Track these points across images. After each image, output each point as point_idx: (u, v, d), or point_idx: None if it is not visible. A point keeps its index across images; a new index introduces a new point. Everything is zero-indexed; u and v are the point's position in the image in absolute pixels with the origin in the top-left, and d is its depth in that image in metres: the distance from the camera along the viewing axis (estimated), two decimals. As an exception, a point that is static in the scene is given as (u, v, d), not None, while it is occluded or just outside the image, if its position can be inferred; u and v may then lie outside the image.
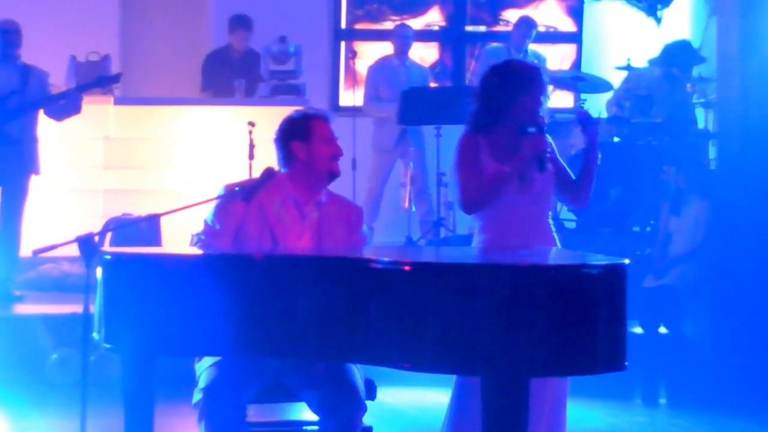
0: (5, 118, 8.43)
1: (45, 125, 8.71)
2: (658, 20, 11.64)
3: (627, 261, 4.14)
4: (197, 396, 4.60)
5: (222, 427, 4.53)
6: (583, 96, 10.55)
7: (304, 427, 4.98)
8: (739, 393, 7.81)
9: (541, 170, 4.97)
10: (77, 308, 4.98)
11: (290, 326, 4.20)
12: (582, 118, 5.23)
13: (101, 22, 11.14)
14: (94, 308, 4.51)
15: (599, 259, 4.23)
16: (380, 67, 10.54)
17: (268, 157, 5.03)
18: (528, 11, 11.50)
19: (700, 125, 10.52)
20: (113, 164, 9.97)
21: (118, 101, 9.98)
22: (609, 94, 10.50)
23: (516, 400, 4.00)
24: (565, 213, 9.52)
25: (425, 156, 10.31)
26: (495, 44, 10.97)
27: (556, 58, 11.86)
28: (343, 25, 11.80)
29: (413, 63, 10.70)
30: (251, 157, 9.29)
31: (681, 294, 8.30)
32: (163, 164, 10.00)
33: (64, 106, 8.61)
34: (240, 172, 9.07)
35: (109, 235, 8.09)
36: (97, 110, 9.63)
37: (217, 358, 4.64)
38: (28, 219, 8.69)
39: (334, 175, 4.81)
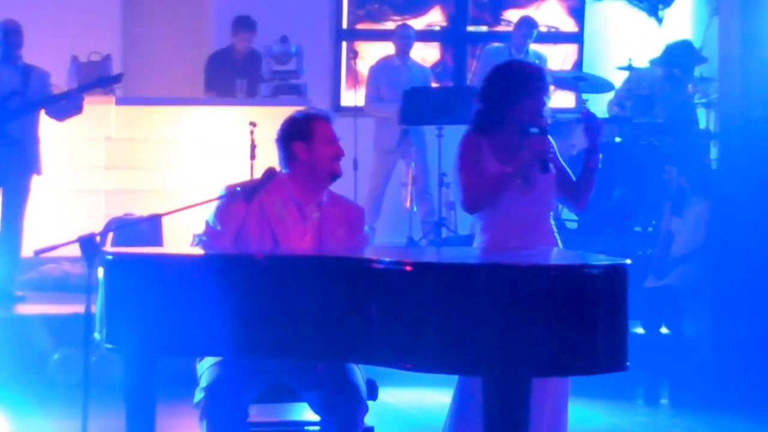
0: (7, 118, 8.43)
1: (46, 125, 8.71)
2: (660, 20, 11.64)
3: (628, 261, 4.13)
4: (198, 395, 4.61)
5: (223, 426, 4.53)
6: (584, 96, 10.55)
7: (306, 428, 4.99)
8: (741, 393, 7.81)
9: (543, 171, 4.97)
10: (79, 308, 4.97)
11: (291, 326, 4.20)
12: (586, 119, 5.23)
13: (103, 23, 11.15)
14: (96, 308, 4.51)
15: (600, 260, 4.23)
16: (382, 67, 10.54)
17: (270, 158, 5.03)
18: (529, 11, 11.50)
19: (702, 125, 10.52)
20: (115, 164, 9.97)
21: (120, 101, 9.99)
22: (610, 95, 10.51)
23: (517, 400, 4.00)
24: (566, 213, 9.51)
25: (427, 156, 10.30)
26: (496, 44, 10.97)
27: (558, 58, 11.86)
28: (345, 25, 11.80)
29: (415, 63, 10.70)
30: (253, 157, 9.29)
31: (682, 294, 8.29)
32: (164, 164, 10.00)
33: (66, 106, 8.61)
34: (241, 173, 9.08)
35: (110, 236, 8.09)
36: (98, 110, 9.63)
37: (219, 358, 4.64)
38: (30, 219, 8.70)
39: (335, 175, 4.81)
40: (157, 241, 9.00)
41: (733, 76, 8.51)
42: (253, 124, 9.32)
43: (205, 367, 4.68)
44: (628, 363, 4.09)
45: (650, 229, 9.57)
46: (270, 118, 8.11)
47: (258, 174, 4.90)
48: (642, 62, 10.64)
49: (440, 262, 4.43)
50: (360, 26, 11.87)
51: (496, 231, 5.04)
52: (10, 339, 7.97)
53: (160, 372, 4.46)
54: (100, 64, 9.78)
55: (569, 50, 12.07)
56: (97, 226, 6.43)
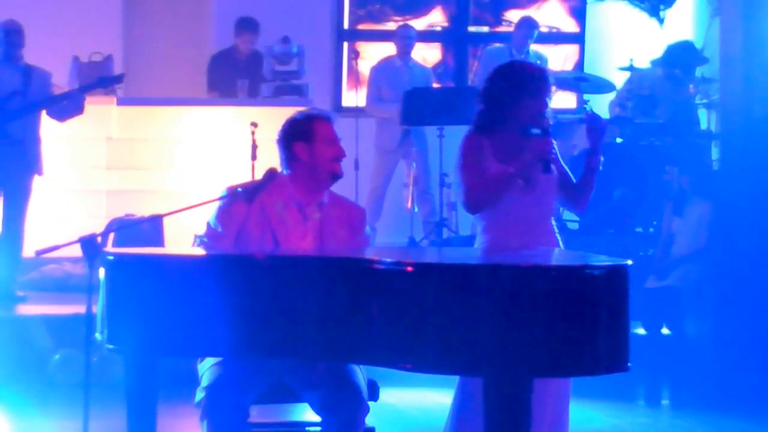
0: (8, 119, 8.43)
1: (48, 126, 8.71)
2: (661, 21, 11.63)
3: (629, 262, 4.13)
4: (199, 395, 4.61)
5: (224, 426, 4.53)
6: (585, 96, 10.55)
7: (307, 428, 4.98)
8: (742, 394, 7.81)
9: (545, 171, 4.97)
10: (80, 309, 4.97)
11: (292, 327, 4.20)
12: (590, 120, 5.23)
13: (104, 23, 11.15)
14: (97, 309, 4.51)
15: (602, 260, 4.23)
16: (383, 68, 10.54)
17: (271, 158, 5.03)
18: (531, 12, 11.50)
19: (703, 126, 10.52)
20: (116, 165, 9.97)
21: (121, 102, 9.99)
22: (612, 95, 10.51)
23: (518, 401, 4.00)
24: (567, 214, 9.51)
25: (428, 157, 10.30)
26: (497, 45, 10.97)
27: (559, 58, 11.86)
28: (346, 26, 11.80)
29: (416, 63, 10.70)
30: (254, 157, 9.29)
31: (684, 295, 8.29)
32: (165, 165, 10.00)
33: (67, 106, 8.61)
34: (243, 173, 9.08)
35: (111, 236, 8.09)
36: (99, 111, 9.63)
37: (220, 358, 4.64)
38: (31, 219, 8.70)
39: (336, 176, 4.80)
40: (159, 241, 9.00)
41: (734, 77, 8.51)
42: (254, 124, 9.32)
43: (206, 367, 4.68)
44: (629, 364, 4.09)
45: (651, 229, 9.57)
46: (271, 119, 8.12)
47: (259, 174, 4.90)
48: (643, 63, 10.64)
49: (441, 262, 4.43)
50: (361, 27, 11.87)
51: (498, 231, 5.04)
52: (11, 339, 7.97)
53: (160, 372, 4.46)
54: (102, 64, 9.78)
55: (570, 51, 12.07)
56: (98, 227, 6.44)
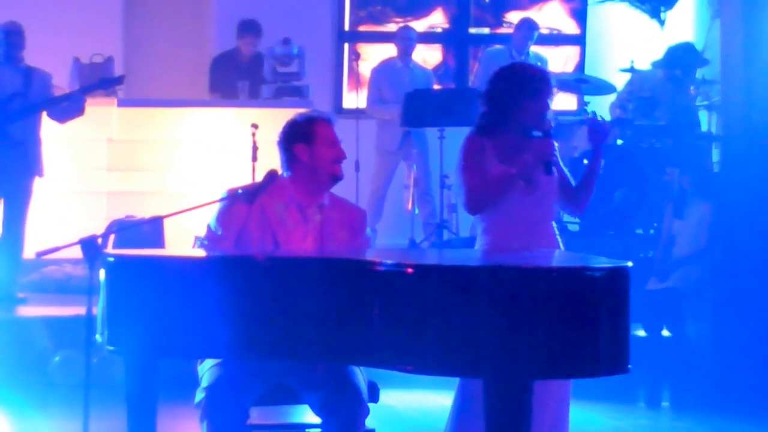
0: (8, 120, 8.43)
1: (48, 127, 8.71)
2: (662, 22, 11.63)
3: (630, 264, 4.13)
4: (199, 395, 4.61)
5: (224, 426, 4.52)
6: (586, 98, 10.55)
7: (307, 430, 5.00)
8: (742, 396, 7.80)
9: (547, 173, 4.97)
10: (80, 310, 4.98)
11: (293, 328, 4.20)
12: (594, 125, 5.23)
13: (105, 24, 11.15)
14: (97, 310, 4.51)
15: (602, 262, 4.22)
16: (383, 69, 10.54)
17: (271, 160, 5.03)
18: (531, 13, 11.51)
19: (704, 128, 10.52)
20: (116, 166, 9.98)
21: (122, 103, 9.98)
22: (612, 97, 10.50)
23: (519, 402, 4.00)
24: (568, 215, 9.52)
25: (428, 158, 10.30)
26: (497, 46, 10.97)
27: (560, 60, 11.86)
28: (347, 27, 11.80)
29: (416, 65, 10.70)
30: (254, 159, 9.29)
31: (684, 297, 8.29)
32: (166, 166, 10.00)
33: (67, 108, 8.61)
34: (243, 174, 9.08)
35: (112, 237, 8.10)
36: (100, 112, 9.63)
37: (220, 359, 4.64)
38: (32, 221, 8.70)
39: (336, 178, 4.80)
40: (159, 243, 9.00)
41: (735, 79, 8.51)
42: (254, 125, 9.31)
43: (206, 368, 4.68)
44: (629, 365, 4.09)
45: (652, 231, 9.57)
46: (272, 120, 8.12)
47: (259, 176, 4.90)
48: (644, 64, 10.64)
49: (442, 264, 4.43)
50: (362, 28, 11.87)
51: (499, 232, 5.04)
52: (11, 340, 7.97)
53: (161, 373, 4.46)
54: (102, 65, 9.78)
55: (571, 52, 12.07)
56: (98, 228, 6.44)
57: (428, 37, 11.70)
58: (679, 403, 7.93)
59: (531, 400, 4.02)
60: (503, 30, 11.85)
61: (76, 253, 4.52)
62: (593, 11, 11.98)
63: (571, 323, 3.93)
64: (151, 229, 8.85)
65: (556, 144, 5.05)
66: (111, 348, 4.40)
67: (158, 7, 11.62)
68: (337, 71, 11.74)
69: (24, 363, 7.90)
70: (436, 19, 11.98)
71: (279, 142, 4.85)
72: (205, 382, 4.62)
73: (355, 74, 11.21)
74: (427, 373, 4.05)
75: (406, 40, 10.53)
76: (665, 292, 8.27)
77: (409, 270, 4.03)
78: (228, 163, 9.84)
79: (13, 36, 8.65)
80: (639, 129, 9.89)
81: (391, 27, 11.52)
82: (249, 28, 10.55)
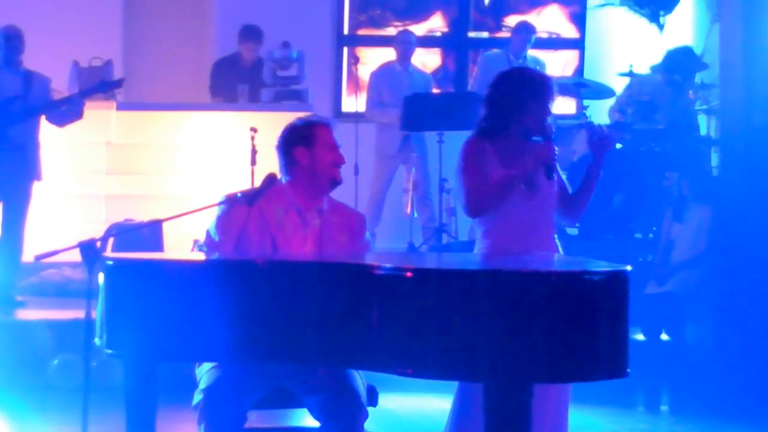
0: (8, 124, 8.43)
1: (47, 131, 8.71)
2: (661, 27, 11.64)
3: (629, 268, 4.13)
4: (197, 397, 4.61)
5: (221, 428, 4.53)
6: (585, 102, 10.55)
7: (306, 434, 4.99)
8: (742, 400, 7.80)
9: (548, 177, 4.97)
10: (79, 313, 4.98)
11: (292, 332, 4.20)
12: (593, 133, 5.23)
13: (104, 28, 11.15)
14: (96, 313, 4.51)
15: (601, 266, 4.23)
16: (383, 73, 10.54)
17: (270, 163, 5.02)
18: (531, 17, 11.51)
19: (703, 132, 10.52)
20: (115, 170, 9.97)
21: (121, 107, 9.98)
22: (611, 101, 10.51)
23: (518, 406, 4.00)
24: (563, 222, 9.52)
25: (428, 162, 10.30)
26: (495, 50, 10.97)
27: (559, 64, 11.86)
28: (346, 31, 11.80)
29: (416, 69, 10.70)
30: (253, 162, 9.28)
31: (683, 301, 8.29)
32: (165, 170, 10.00)
33: (66, 111, 8.61)
34: (242, 178, 9.08)
35: (111, 241, 8.08)
36: (99, 116, 9.63)
37: (219, 363, 4.64)
38: (31, 224, 8.69)
39: (336, 182, 4.80)
40: (158, 246, 9.00)
41: (734, 83, 8.51)
42: (254, 129, 9.30)
43: (204, 370, 4.68)
44: (628, 369, 4.09)
45: (651, 235, 9.57)
46: (271, 124, 8.11)
47: (258, 180, 4.90)
48: (643, 68, 10.64)
49: (441, 268, 4.43)
50: (361, 32, 11.87)
51: (498, 236, 5.04)
52: (10, 344, 7.96)
53: (159, 376, 4.46)
54: (101, 69, 9.77)
55: (570, 56, 12.08)
56: (97, 232, 6.46)
57: (427, 41, 11.70)
58: (678, 407, 7.93)
59: (530, 403, 4.02)
60: (503, 34, 11.85)
61: (75, 256, 4.51)
62: (592, 15, 11.98)
63: (570, 327, 3.93)
64: (150, 233, 8.85)
65: (556, 148, 5.05)
66: (110, 351, 4.39)
67: (157, 10, 11.62)
68: (337, 75, 11.74)
69: (23, 366, 7.89)
70: (436, 23, 11.98)
71: (278, 146, 4.85)
72: (203, 384, 4.63)
73: (354, 78, 11.21)
74: (427, 377, 4.06)
75: (405, 44, 10.53)
76: (664, 296, 8.27)
77: (408, 274, 4.03)
78: (227, 166, 9.84)
79: (13, 40, 8.65)
80: (638, 133, 9.90)
81: (391, 31, 11.52)
82: (251, 33, 10.55)
